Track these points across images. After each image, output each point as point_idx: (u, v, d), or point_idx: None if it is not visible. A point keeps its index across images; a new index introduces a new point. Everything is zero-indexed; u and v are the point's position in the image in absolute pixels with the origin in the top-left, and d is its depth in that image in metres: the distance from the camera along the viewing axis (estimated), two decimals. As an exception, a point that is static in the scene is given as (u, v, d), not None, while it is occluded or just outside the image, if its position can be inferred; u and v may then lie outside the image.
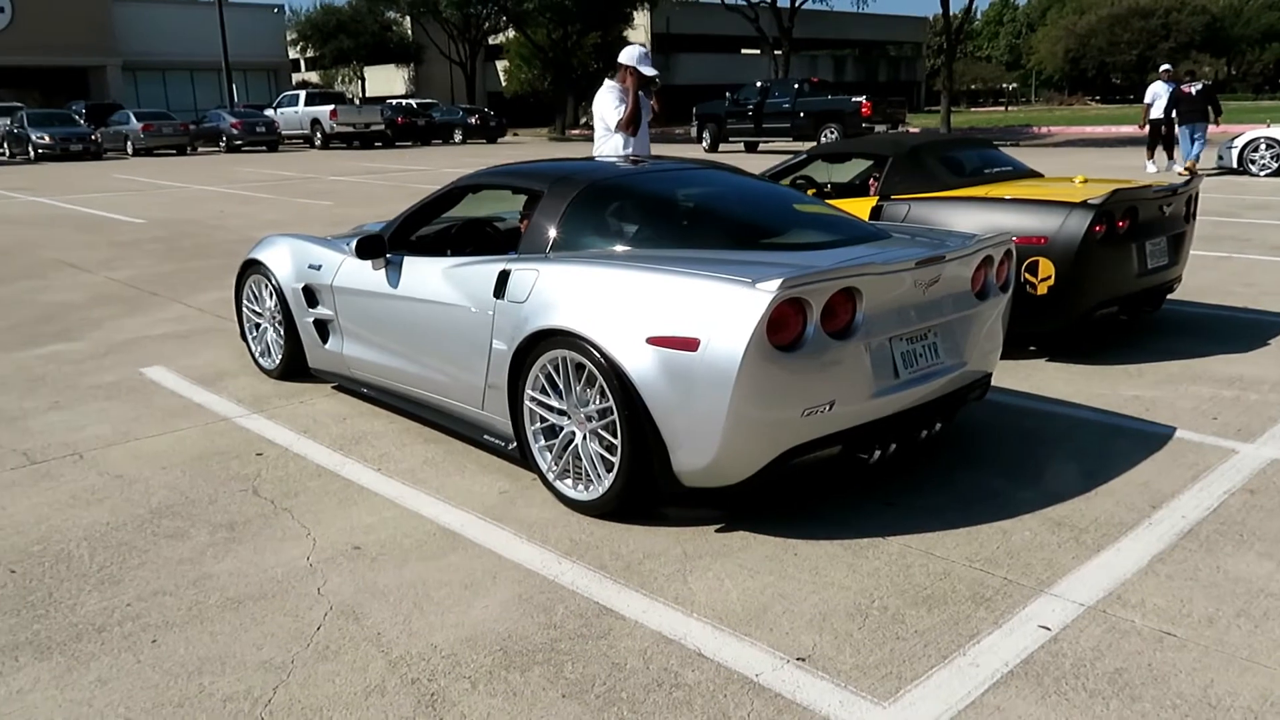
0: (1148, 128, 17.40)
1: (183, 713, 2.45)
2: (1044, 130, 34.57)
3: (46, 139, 29.21)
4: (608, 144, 6.82)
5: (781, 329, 3.11)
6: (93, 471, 4.11)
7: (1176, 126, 16.56)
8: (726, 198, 4.25)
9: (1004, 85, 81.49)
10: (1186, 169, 15.54)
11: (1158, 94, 17.03)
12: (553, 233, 3.85)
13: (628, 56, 6.70)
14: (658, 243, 3.74)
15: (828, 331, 3.22)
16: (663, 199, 4.09)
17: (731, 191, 4.28)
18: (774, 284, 3.03)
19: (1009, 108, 70.28)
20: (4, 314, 7.41)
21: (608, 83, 6.86)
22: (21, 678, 2.62)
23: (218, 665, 2.66)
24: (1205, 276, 7.80)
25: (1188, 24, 58.81)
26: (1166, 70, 17.52)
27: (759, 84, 27.33)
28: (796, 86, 26.21)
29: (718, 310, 3.11)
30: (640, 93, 6.76)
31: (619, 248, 3.75)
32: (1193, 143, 16.19)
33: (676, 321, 3.19)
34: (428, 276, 4.19)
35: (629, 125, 6.68)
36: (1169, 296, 6.68)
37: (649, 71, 6.66)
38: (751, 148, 27.42)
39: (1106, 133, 31.85)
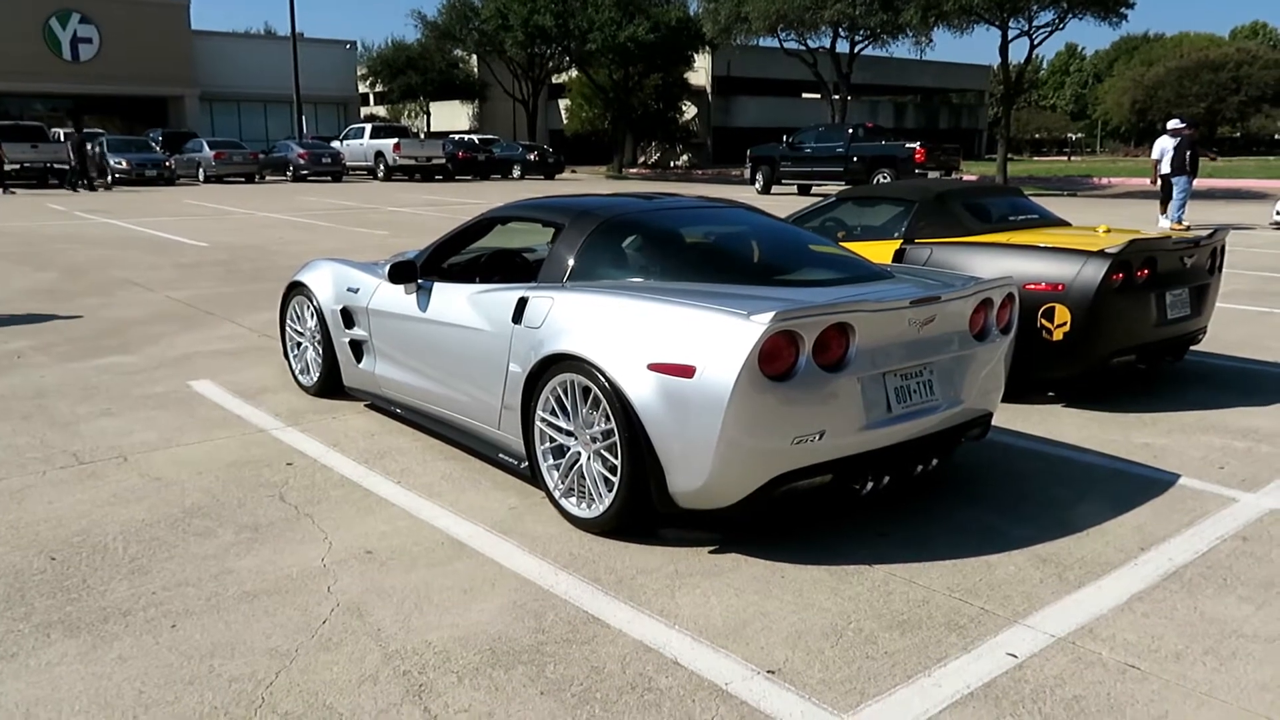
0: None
1: (192, 689, 2.66)
2: (1104, 181, 34.24)
3: (124, 164, 30.43)
4: None
5: (774, 359, 3.27)
6: (135, 473, 4.39)
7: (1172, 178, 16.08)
8: (738, 236, 4.43)
9: (1069, 135, 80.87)
10: (1174, 227, 15.08)
11: (1165, 149, 16.35)
12: (570, 263, 4.06)
13: None
14: (668, 276, 3.93)
15: (820, 364, 3.37)
16: (675, 235, 4.28)
17: (744, 230, 4.46)
18: (767, 316, 3.20)
19: (1072, 158, 69.62)
20: (70, 328, 7.84)
21: None
22: (51, 652, 2.86)
23: (228, 650, 2.87)
24: (1242, 330, 7.77)
25: (1259, 78, 57.72)
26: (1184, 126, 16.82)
27: (814, 128, 27.62)
28: (851, 131, 26.45)
29: (713, 340, 3.29)
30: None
31: (631, 280, 3.95)
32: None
33: (675, 349, 3.37)
34: (454, 301, 4.42)
35: None
36: (1197, 348, 6.70)
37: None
38: (804, 190, 27.61)
39: (1168, 185, 31.35)
